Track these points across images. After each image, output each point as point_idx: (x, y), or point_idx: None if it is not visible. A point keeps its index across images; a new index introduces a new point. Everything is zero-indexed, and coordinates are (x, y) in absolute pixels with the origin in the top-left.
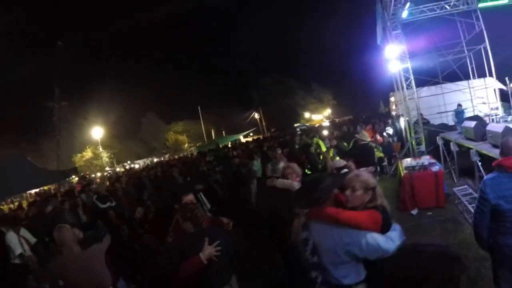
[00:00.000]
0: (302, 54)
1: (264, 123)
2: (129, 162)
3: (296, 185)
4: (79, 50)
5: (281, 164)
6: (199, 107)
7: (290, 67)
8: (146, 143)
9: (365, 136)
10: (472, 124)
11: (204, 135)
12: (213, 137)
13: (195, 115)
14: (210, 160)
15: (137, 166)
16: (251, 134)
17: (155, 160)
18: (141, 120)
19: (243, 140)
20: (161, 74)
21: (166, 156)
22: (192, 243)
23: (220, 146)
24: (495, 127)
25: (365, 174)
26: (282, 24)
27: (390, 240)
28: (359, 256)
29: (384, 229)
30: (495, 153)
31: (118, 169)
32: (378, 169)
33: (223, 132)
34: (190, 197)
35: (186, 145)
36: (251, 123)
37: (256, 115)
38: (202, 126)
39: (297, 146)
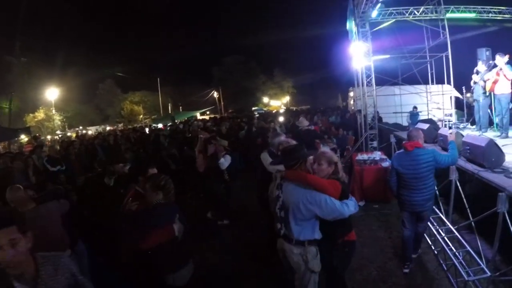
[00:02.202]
0: (268, 39)
1: (222, 103)
2: (81, 127)
3: None
4: (45, 8)
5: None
6: (158, 79)
7: (254, 50)
8: (101, 110)
9: (302, 122)
10: (425, 126)
11: (161, 108)
12: (170, 111)
13: (154, 87)
14: (165, 134)
15: (89, 132)
16: (208, 112)
17: (107, 128)
18: (98, 86)
19: (199, 117)
20: (124, 43)
21: (120, 125)
22: (161, 213)
23: (176, 121)
24: (446, 132)
25: (329, 151)
26: (251, 7)
27: (345, 206)
28: (319, 214)
29: (342, 197)
30: None
31: (69, 134)
32: None
33: (180, 107)
34: (155, 170)
35: (141, 116)
36: (209, 102)
37: (215, 94)
38: (160, 98)
39: (254, 129)
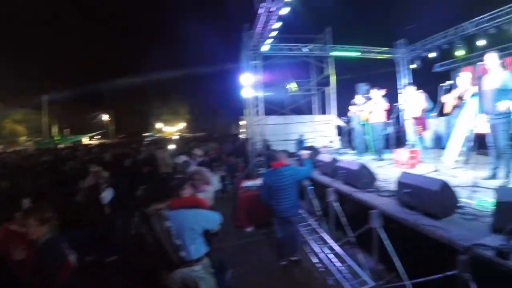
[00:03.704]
0: (166, 62)
1: (112, 127)
2: None
3: None
4: None
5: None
6: (43, 96)
7: (149, 73)
8: None
9: (196, 153)
10: (306, 154)
11: (46, 130)
12: (54, 134)
13: (39, 105)
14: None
15: None
16: (99, 136)
17: None
18: None
19: (87, 141)
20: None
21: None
22: (58, 249)
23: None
24: (325, 158)
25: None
26: (150, 29)
27: (216, 215)
28: (208, 227)
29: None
30: (323, 180)
31: None
32: (220, 187)
33: (67, 130)
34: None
35: (23, 137)
36: (98, 125)
37: (107, 117)
38: (44, 118)
39: (142, 157)
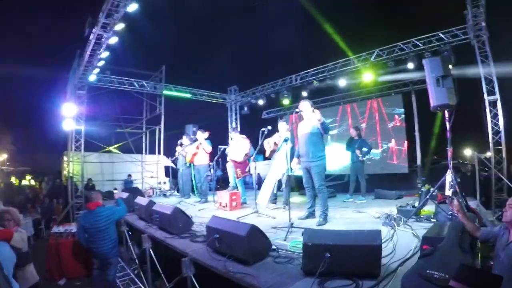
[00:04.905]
0: None
1: None
2: None
3: None
4: None
5: None
6: None
7: None
8: None
9: None
10: (125, 195)
11: None
12: None
13: None
14: None
15: None
16: None
17: None
18: None
19: None
20: None
21: None
22: None
23: None
24: (142, 201)
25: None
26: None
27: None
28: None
29: None
30: (139, 225)
31: None
32: (33, 232)
33: None
34: None
35: None
36: None
37: None
38: None
39: None
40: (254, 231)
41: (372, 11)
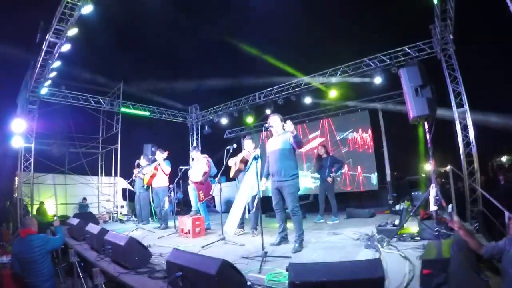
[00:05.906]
0: None
1: None
2: None
3: None
4: None
5: None
6: None
7: None
8: None
9: None
10: (75, 221)
11: None
12: None
13: None
14: None
15: None
16: None
17: None
18: None
19: None
20: None
21: None
22: None
23: None
24: (93, 228)
25: None
26: None
27: None
28: None
29: None
30: (91, 257)
31: None
32: None
33: None
34: None
35: None
36: None
37: None
38: None
39: None
40: (226, 267)
41: (336, 27)
